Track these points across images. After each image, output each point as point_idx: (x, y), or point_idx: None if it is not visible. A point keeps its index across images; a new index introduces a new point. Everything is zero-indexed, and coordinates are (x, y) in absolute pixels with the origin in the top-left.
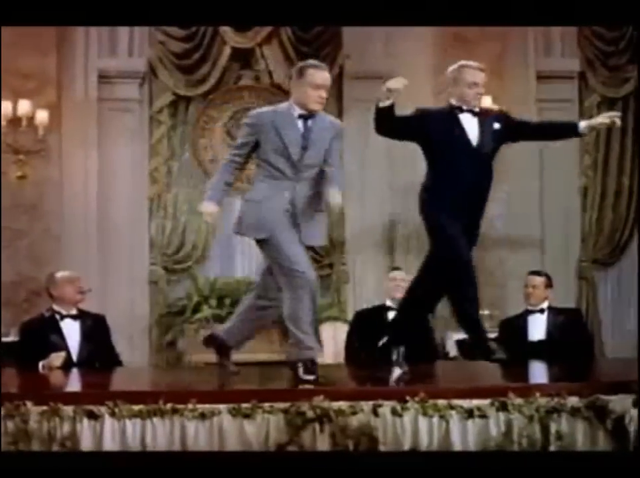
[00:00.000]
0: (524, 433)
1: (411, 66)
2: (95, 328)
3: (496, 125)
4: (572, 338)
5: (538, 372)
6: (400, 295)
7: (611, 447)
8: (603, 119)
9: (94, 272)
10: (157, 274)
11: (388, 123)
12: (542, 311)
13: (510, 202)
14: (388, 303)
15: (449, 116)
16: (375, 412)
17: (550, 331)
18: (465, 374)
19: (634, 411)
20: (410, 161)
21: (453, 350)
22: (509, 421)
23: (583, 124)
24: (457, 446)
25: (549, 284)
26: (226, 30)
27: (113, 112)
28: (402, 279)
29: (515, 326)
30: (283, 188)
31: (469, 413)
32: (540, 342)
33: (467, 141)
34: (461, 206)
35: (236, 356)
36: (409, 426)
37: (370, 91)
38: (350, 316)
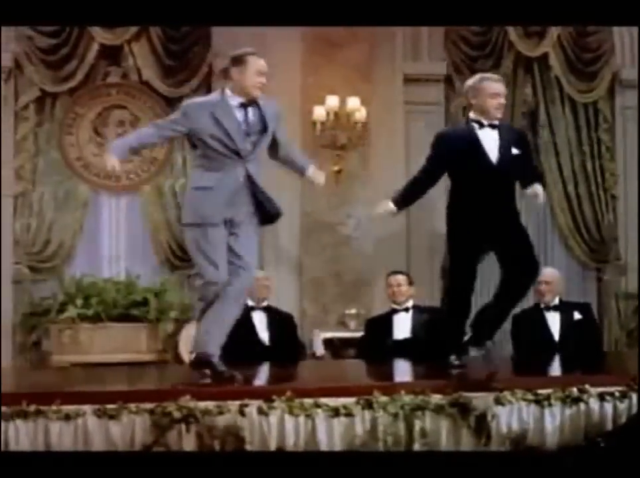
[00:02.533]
0: (389, 430)
1: (280, 66)
2: None
3: (517, 143)
4: (435, 336)
5: (403, 371)
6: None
7: (473, 444)
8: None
9: None
10: (21, 273)
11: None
12: (406, 309)
13: (375, 201)
14: (250, 303)
15: (468, 134)
16: (241, 412)
17: (414, 330)
18: (332, 372)
19: (496, 409)
20: None
21: (320, 349)
22: (374, 419)
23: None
24: (323, 445)
25: (411, 282)
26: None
27: None
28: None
29: (380, 325)
30: (232, 174)
31: (335, 412)
32: (404, 340)
33: (487, 160)
34: (482, 225)
35: (102, 356)
36: (276, 425)
37: None
38: None
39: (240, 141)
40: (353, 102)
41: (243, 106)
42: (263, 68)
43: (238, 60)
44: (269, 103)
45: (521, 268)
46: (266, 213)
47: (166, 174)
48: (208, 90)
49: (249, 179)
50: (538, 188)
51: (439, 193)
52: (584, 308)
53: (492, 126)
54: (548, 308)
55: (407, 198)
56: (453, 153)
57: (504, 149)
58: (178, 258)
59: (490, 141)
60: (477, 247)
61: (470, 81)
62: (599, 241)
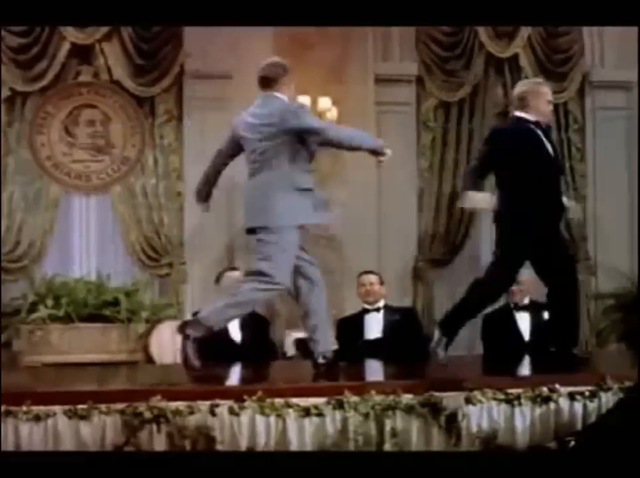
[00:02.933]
0: (359, 430)
1: (252, 67)
2: None
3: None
4: (407, 337)
5: (374, 370)
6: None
7: (444, 444)
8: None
9: None
10: None
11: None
12: (378, 309)
13: (348, 203)
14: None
15: (530, 134)
16: (212, 412)
17: (385, 330)
18: (303, 373)
19: (466, 408)
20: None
21: (291, 350)
22: (345, 419)
23: None
24: (294, 444)
25: (382, 282)
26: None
27: None
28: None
29: (352, 325)
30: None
31: (306, 412)
32: (376, 340)
33: (550, 156)
34: (547, 223)
35: (73, 357)
36: (247, 425)
37: (211, 91)
38: (188, 316)
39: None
40: (324, 102)
41: None
42: None
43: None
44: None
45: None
46: None
47: (137, 174)
48: (180, 90)
49: None
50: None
51: (410, 193)
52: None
53: (544, 130)
54: (518, 308)
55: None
56: (514, 151)
57: (554, 149)
58: (150, 258)
59: (546, 141)
60: (529, 250)
61: (527, 84)
62: (568, 240)
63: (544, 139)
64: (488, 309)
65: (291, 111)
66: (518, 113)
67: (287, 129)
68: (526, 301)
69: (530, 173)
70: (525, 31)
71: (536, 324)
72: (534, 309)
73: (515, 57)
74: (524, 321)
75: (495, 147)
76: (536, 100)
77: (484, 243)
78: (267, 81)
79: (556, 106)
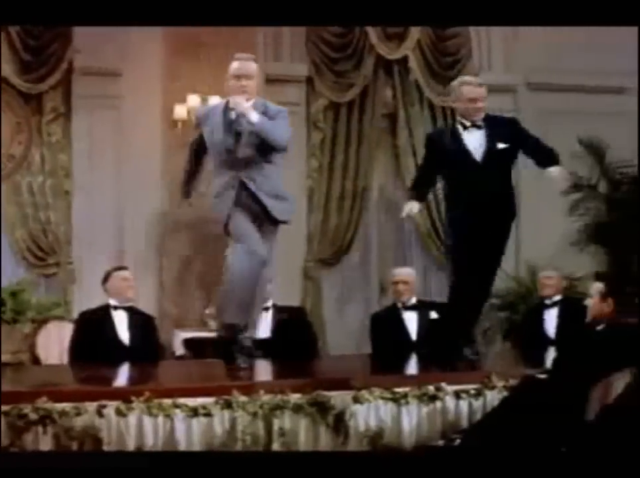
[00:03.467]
0: (247, 430)
1: (144, 65)
2: None
3: (504, 136)
4: (296, 336)
5: (263, 370)
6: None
7: (332, 443)
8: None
9: None
10: None
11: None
12: (266, 308)
13: None
14: (112, 302)
15: (453, 134)
16: (99, 413)
17: (274, 329)
18: (191, 372)
19: (354, 407)
20: (136, 158)
21: (180, 349)
22: (233, 419)
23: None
24: (182, 445)
25: (270, 281)
26: None
27: None
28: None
29: None
30: None
31: (194, 412)
32: (264, 340)
33: (470, 158)
34: (473, 220)
35: None
36: (134, 426)
37: (100, 88)
38: (75, 316)
39: None
40: (214, 101)
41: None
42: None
43: None
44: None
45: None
46: None
47: (23, 172)
48: (68, 87)
49: None
50: (553, 171)
51: (299, 193)
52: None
53: (476, 126)
54: (406, 307)
55: (420, 195)
56: (442, 153)
57: (489, 146)
58: (36, 257)
59: (474, 140)
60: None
61: (451, 86)
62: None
63: (463, 137)
64: (376, 309)
65: None
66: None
67: None
68: (413, 300)
69: (452, 174)
70: (415, 33)
71: (423, 323)
72: (421, 308)
73: (404, 59)
74: (411, 321)
75: (427, 151)
76: (456, 102)
77: (373, 244)
78: None
79: (443, 108)
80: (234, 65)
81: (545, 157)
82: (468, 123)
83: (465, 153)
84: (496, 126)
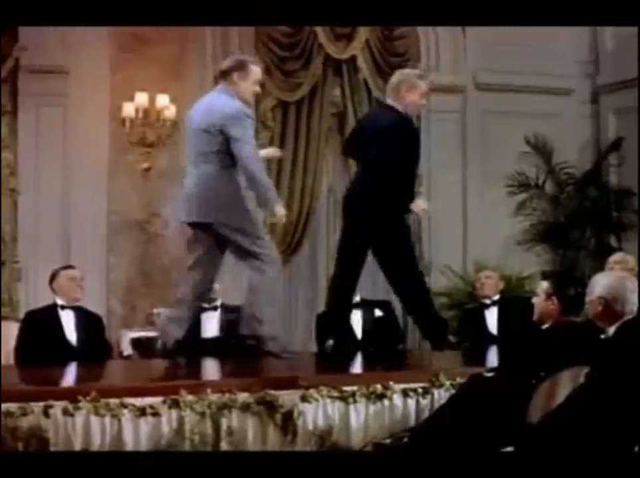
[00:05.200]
0: (195, 430)
1: (89, 62)
2: None
3: None
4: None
5: (211, 369)
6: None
7: (280, 442)
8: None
9: None
10: None
11: None
12: (215, 308)
13: None
14: (60, 301)
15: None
16: (46, 413)
17: (222, 328)
18: (139, 372)
19: (302, 406)
20: (83, 156)
21: (128, 349)
22: (181, 418)
23: None
24: (129, 445)
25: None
26: None
27: None
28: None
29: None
30: None
31: (141, 412)
32: (213, 339)
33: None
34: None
35: None
36: (81, 426)
37: (46, 86)
38: (21, 315)
39: None
40: (162, 100)
41: None
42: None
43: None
44: None
45: None
46: None
47: None
48: (14, 84)
49: None
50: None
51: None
52: (385, 305)
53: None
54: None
55: None
56: (372, 140)
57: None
58: None
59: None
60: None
61: (404, 75)
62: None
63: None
64: (323, 308)
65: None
66: (389, 102)
67: None
68: (357, 298)
69: (385, 162)
70: (363, 33)
71: (368, 322)
72: (365, 306)
73: (353, 59)
74: (356, 319)
75: (353, 134)
76: (412, 93)
77: (321, 244)
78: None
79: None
80: (258, 70)
81: None
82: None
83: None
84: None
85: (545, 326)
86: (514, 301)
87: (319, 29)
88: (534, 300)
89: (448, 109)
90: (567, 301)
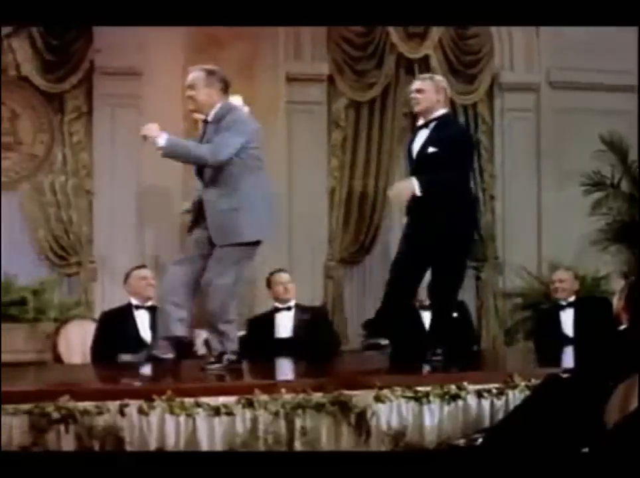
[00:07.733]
0: (269, 429)
1: (162, 63)
2: None
3: (436, 141)
4: (318, 335)
5: (285, 369)
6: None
7: (353, 442)
8: None
9: None
10: None
11: None
12: (289, 308)
13: None
14: (134, 301)
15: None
16: (121, 412)
17: (296, 328)
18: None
19: (375, 406)
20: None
21: (202, 349)
22: (255, 418)
23: None
24: (204, 444)
25: (293, 280)
26: None
27: None
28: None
29: (263, 324)
30: None
31: (216, 411)
32: (286, 339)
33: (411, 158)
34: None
35: None
36: (156, 425)
37: (120, 87)
38: (97, 315)
39: None
40: (235, 101)
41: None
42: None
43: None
44: None
45: None
46: None
47: (45, 172)
48: (89, 87)
49: None
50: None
51: (321, 192)
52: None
53: (425, 125)
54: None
55: None
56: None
57: (423, 147)
58: (58, 256)
59: (419, 139)
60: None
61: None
62: (477, 240)
63: (414, 136)
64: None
65: None
66: None
67: None
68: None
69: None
70: (436, 32)
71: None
72: None
73: (426, 58)
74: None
75: None
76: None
77: (394, 244)
78: None
79: (465, 107)
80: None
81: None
82: (419, 122)
83: (409, 150)
84: (439, 130)
85: (623, 326)
86: (591, 302)
87: (391, 28)
88: (614, 300)
89: (522, 108)
90: None
